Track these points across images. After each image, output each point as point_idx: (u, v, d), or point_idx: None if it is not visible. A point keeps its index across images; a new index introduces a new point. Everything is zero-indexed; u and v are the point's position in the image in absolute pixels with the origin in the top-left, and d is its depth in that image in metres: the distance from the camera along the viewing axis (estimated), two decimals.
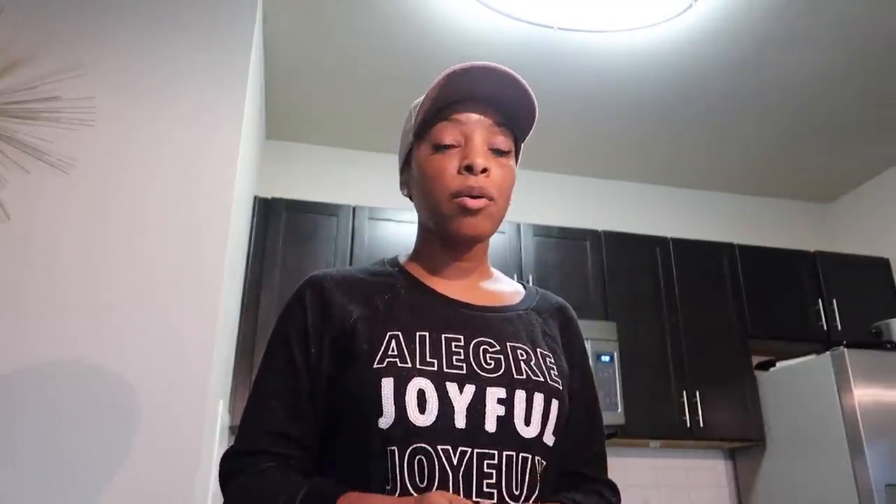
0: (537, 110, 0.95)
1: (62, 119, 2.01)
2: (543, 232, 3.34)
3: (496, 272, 1.04)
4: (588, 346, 3.38)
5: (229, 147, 2.13)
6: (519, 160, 1.00)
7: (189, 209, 2.01)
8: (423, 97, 0.92)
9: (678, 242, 3.51)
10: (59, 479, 1.72)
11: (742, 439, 3.25)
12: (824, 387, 2.97)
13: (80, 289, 1.89)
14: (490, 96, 0.93)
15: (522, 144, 1.00)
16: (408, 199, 1.00)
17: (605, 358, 3.04)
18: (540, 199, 3.83)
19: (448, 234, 0.92)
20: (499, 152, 0.93)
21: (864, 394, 2.86)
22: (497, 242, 3.22)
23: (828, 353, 2.99)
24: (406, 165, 0.99)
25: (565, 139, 3.60)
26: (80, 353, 1.83)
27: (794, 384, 3.14)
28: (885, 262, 3.74)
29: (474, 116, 0.92)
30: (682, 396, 3.16)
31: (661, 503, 3.32)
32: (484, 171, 0.89)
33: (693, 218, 4.02)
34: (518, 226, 3.31)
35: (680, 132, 3.54)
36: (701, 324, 3.35)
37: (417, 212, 0.98)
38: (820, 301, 3.51)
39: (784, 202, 4.25)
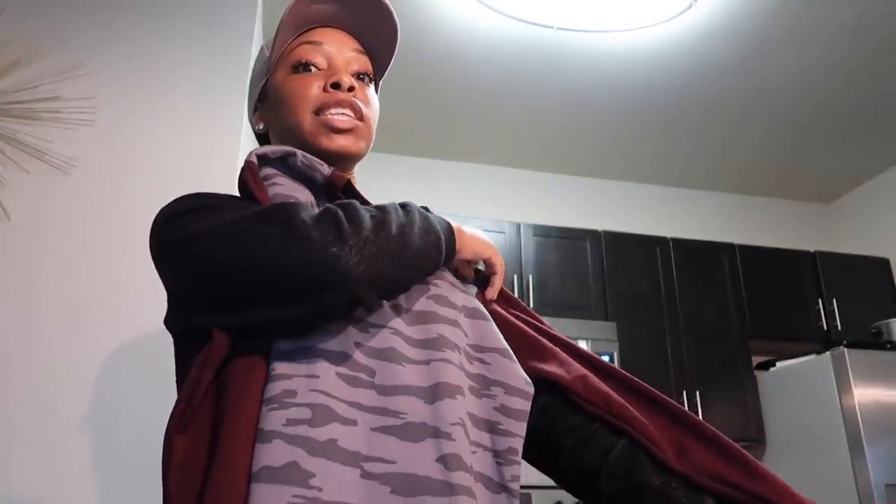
0: (399, 38, 0.92)
1: (62, 119, 2.01)
2: (543, 232, 3.34)
3: None
4: (587, 346, 3.36)
5: (230, 147, 2.13)
6: (377, 95, 0.96)
7: None
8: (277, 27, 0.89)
9: (678, 242, 3.51)
10: (55, 480, 1.72)
11: (742, 439, 3.25)
12: (824, 387, 2.97)
13: (80, 289, 1.89)
14: (352, 22, 0.91)
15: (381, 82, 0.97)
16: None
17: (605, 358, 3.05)
18: (540, 199, 3.83)
19: (314, 153, 0.86)
20: (361, 76, 0.90)
21: (864, 394, 2.86)
22: (497, 242, 3.22)
23: (828, 353, 2.99)
24: (260, 103, 0.94)
25: (565, 139, 3.60)
26: (80, 353, 1.83)
27: (794, 384, 3.14)
28: (885, 262, 3.74)
29: (336, 38, 0.90)
30: (682, 396, 3.16)
31: None
32: (351, 89, 0.86)
33: (693, 218, 4.02)
34: (518, 226, 3.31)
35: (680, 132, 3.54)
36: (701, 324, 3.35)
37: (275, 142, 0.92)
38: (820, 301, 3.51)
39: (784, 202, 4.25)
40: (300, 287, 0.66)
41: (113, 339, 1.87)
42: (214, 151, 2.12)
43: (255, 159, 0.82)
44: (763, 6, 2.66)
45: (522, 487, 3.07)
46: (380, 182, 3.55)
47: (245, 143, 2.33)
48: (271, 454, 0.64)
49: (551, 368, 0.83)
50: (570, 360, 0.85)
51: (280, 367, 0.69)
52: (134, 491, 1.76)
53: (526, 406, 0.78)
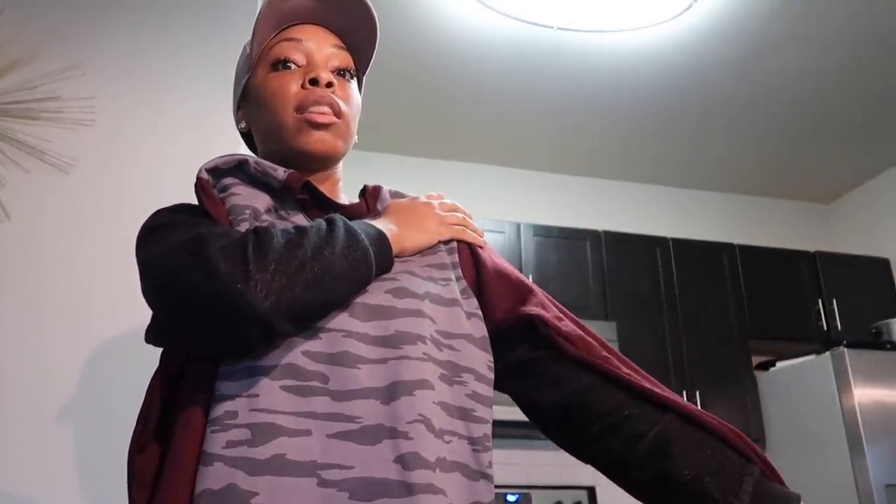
0: (378, 33, 0.93)
1: (62, 119, 2.01)
2: (543, 232, 3.33)
3: None
4: None
5: (230, 146, 2.13)
6: (361, 93, 0.96)
7: None
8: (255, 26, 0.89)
9: (678, 242, 3.51)
10: (56, 481, 1.72)
11: None
12: (824, 387, 2.97)
13: (80, 289, 1.89)
14: (330, 18, 0.91)
15: (365, 78, 0.97)
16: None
17: None
18: (540, 199, 3.83)
19: (294, 152, 0.86)
20: (342, 72, 0.90)
21: (864, 394, 2.86)
22: (497, 242, 3.22)
23: (828, 353, 2.99)
24: (243, 102, 0.95)
25: (565, 139, 3.60)
26: (80, 353, 1.83)
27: (794, 384, 3.14)
28: (885, 262, 3.74)
29: (315, 35, 0.90)
30: (683, 396, 3.16)
31: None
32: (329, 85, 0.86)
33: (693, 218, 4.02)
34: (518, 226, 3.31)
35: (680, 132, 3.54)
36: (701, 324, 3.35)
37: (258, 143, 0.93)
38: (820, 301, 3.51)
39: (784, 202, 4.25)
40: (214, 320, 0.68)
41: (113, 339, 1.87)
42: (215, 151, 2.11)
43: (205, 175, 0.84)
44: (763, 6, 2.66)
45: (522, 487, 3.07)
46: (380, 181, 3.55)
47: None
48: (211, 477, 0.66)
49: (535, 309, 0.84)
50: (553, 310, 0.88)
51: (224, 388, 0.71)
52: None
53: (491, 392, 0.79)
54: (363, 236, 0.74)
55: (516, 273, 0.90)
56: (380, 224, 0.81)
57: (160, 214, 0.83)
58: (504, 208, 3.65)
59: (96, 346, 1.85)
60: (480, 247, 0.91)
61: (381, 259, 0.76)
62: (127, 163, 2.04)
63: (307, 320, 0.71)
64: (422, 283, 0.79)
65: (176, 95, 2.15)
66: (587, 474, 3.23)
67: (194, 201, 0.89)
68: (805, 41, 2.86)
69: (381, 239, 0.77)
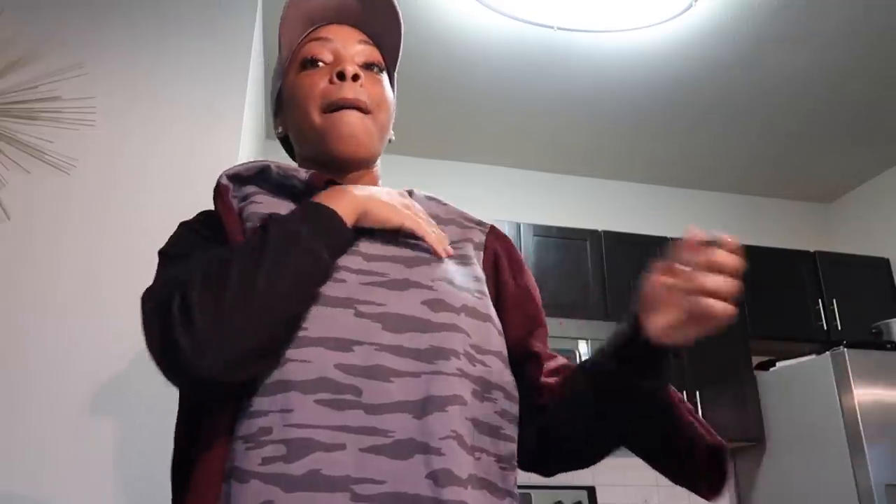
0: (402, 22, 0.93)
1: (62, 119, 2.01)
2: (543, 232, 3.33)
3: None
4: (588, 346, 3.31)
5: (230, 147, 2.13)
6: (395, 89, 0.96)
7: (189, 210, 2.00)
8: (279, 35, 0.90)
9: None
10: (61, 482, 1.72)
11: (742, 439, 3.25)
12: (824, 387, 2.97)
13: (80, 289, 1.89)
14: (355, 17, 0.91)
15: (396, 74, 0.97)
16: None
17: None
18: (540, 199, 3.83)
19: (328, 156, 0.86)
20: (370, 66, 0.90)
21: (864, 394, 2.86)
22: None
23: (828, 353, 2.99)
24: (279, 108, 0.95)
25: (565, 139, 3.60)
26: (80, 353, 1.83)
27: (794, 384, 3.14)
28: (885, 262, 3.74)
29: (341, 33, 0.90)
30: (683, 397, 3.16)
31: (661, 503, 3.32)
32: (356, 77, 0.85)
33: (693, 218, 4.02)
34: (518, 226, 3.31)
35: (680, 132, 3.54)
36: None
37: (295, 145, 0.94)
38: (820, 301, 3.51)
39: (784, 202, 4.24)
40: (167, 374, 0.69)
41: (113, 339, 1.87)
42: (214, 151, 2.11)
43: (226, 181, 0.83)
44: (763, 6, 2.66)
45: (522, 487, 3.07)
46: (380, 181, 3.55)
47: (245, 142, 2.33)
48: (248, 495, 0.65)
49: (538, 345, 0.87)
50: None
51: (257, 403, 0.69)
52: (143, 490, 1.76)
53: (517, 412, 0.79)
54: (308, 222, 0.72)
55: (536, 301, 0.90)
56: (338, 195, 0.77)
57: (172, 235, 0.86)
58: (504, 208, 3.65)
59: (97, 345, 1.85)
60: (450, 255, 0.83)
61: (335, 234, 0.74)
62: (127, 163, 2.04)
63: (262, 357, 0.68)
64: (458, 295, 0.77)
65: (176, 96, 2.15)
66: (587, 474, 3.23)
67: (197, 202, 0.89)
68: (805, 41, 2.86)
69: (332, 217, 0.74)
